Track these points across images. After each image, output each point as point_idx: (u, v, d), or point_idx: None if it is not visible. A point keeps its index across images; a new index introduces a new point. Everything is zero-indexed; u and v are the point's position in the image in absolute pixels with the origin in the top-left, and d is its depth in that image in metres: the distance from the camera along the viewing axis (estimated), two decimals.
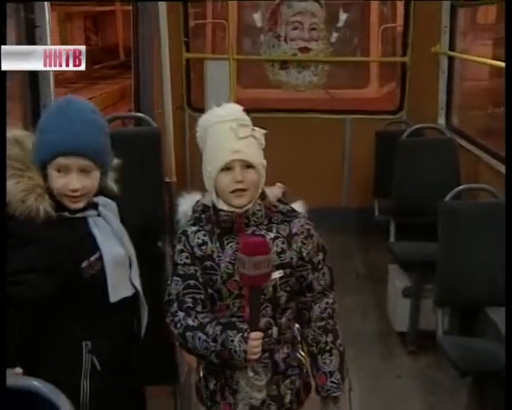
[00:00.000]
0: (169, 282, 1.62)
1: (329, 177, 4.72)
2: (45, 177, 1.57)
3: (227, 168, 1.54)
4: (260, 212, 1.58)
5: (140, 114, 3.10)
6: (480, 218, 2.56)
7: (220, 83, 4.47)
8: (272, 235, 1.60)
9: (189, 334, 1.58)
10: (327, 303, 1.65)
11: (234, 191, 1.54)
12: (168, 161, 2.75)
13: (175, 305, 1.60)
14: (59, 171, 1.54)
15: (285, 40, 4.82)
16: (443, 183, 3.13)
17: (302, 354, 1.71)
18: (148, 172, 2.65)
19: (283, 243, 1.60)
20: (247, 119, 1.58)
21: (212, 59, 4.84)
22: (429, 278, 2.95)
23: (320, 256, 1.64)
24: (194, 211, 1.63)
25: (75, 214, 1.59)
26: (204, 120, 1.60)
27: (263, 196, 1.60)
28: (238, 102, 4.52)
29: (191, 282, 1.59)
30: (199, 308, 1.60)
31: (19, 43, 2.64)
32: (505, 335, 1.52)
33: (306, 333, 1.67)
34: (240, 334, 1.54)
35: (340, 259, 4.40)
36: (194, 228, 1.61)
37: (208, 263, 1.59)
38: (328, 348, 1.64)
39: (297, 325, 1.69)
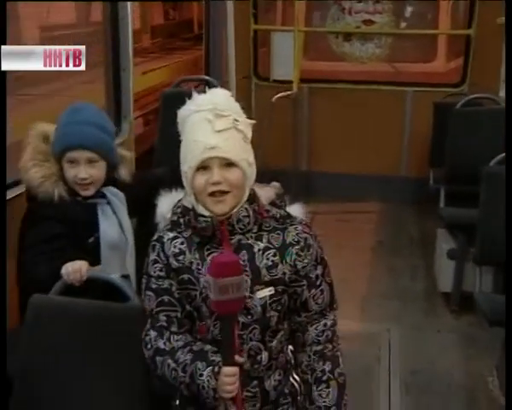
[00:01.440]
0: (142, 296, 1.43)
1: (389, 147, 4.86)
2: (62, 167, 1.87)
3: (203, 167, 1.33)
4: (247, 218, 1.37)
5: (206, 77, 3.41)
6: None
7: (286, 54, 4.71)
8: (262, 245, 1.39)
9: (158, 358, 1.39)
10: (325, 325, 1.44)
11: (212, 194, 1.34)
12: None
13: (148, 322, 1.42)
14: (70, 162, 1.85)
15: (349, 13, 4.96)
16: (494, 152, 3.23)
17: (296, 378, 1.50)
18: None
19: (275, 255, 1.39)
20: (230, 107, 1.36)
21: (279, 30, 5.05)
22: (474, 242, 3.10)
23: (318, 270, 1.42)
24: (173, 213, 1.42)
25: (87, 200, 1.89)
26: (184, 109, 1.38)
27: (252, 198, 1.39)
28: (303, 73, 4.78)
29: (165, 298, 1.39)
30: (174, 328, 1.40)
31: (105, 20, 3.02)
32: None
33: (301, 359, 1.46)
34: (210, 368, 1.33)
35: (394, 224, 4.60)
36: (170, 234, 1.40)
37: (186, 276, 1.38)
38: (324, 378, 1.42)
39: (290, 347, 1.50)
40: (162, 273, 1.39)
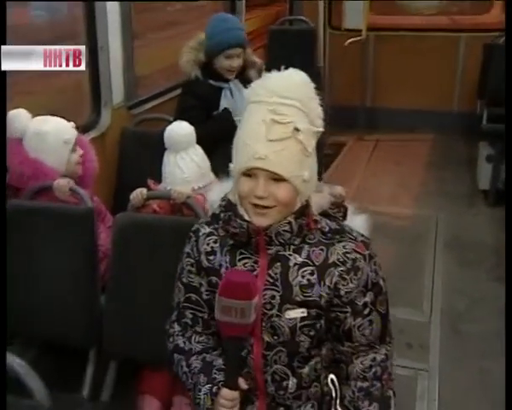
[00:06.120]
0: (175, 283, 1.36)
1: (444, 85, 5.70)
2: (210, 59, 2.62)
3: (249, 174, 1.19)
4: (288, 233, 1.22)
5: (302, 17, 4.44)
6: None
7: (356, 7, 5.59)
8: (300, 260, 1.24)
9: (176, 356, 1.34)
10: (373, 360, 1.27)
11: (254, 205, 1.20)
12: (319, 52, 4.05)
13: (174, 314, 1.37)
14: (226, 57, 2.63)
15: None
16: None
17: None
18: (306, 58, 3.97)
19: (312, 273, 1.23)
20: (301, 99, 1.17)
21: None
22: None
23: (368, 298, 1.25)
24: (219, 205, 1.30)
25: (216, 83, 2.66)
26: (251, 89, 1.24)
27: (302, 210, 1.23)
28: (369, 25, 5.66)
29: (193, 296, 1.32)
30: (198, 328, 1.33)
31: None
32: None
33: (344, 392, 1.30)
34: (208, 385, 1.25)
35: (445, 149, 5.47)
36: (207, 229, 1.30)
37: (213, 279, 1.28)
38: None
39: (332, 377, 1.32)
40: (193, 269, 1.31)
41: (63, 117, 2.17)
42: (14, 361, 1.20)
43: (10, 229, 1.80)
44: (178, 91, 3.25)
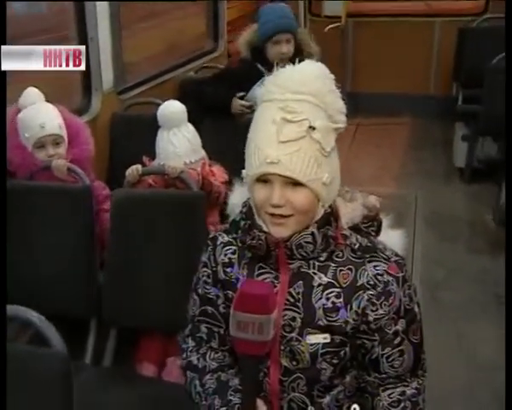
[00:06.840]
0: (190, 294, 1.28)
1: (421, 69, 5.86)
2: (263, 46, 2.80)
3: (264, 180, 1.10)
4: (311, 245, 1.12)
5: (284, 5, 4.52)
6: None
7: None
8: (325, 280, 1.14)
9: (189, 373, 1.26)
10: (402, 394, 1.17)
11: (271, 214, 1.11)
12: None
13: (189, 328, 1.29)
14: (275, 43, 2.78)
15: None
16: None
17: None
18: None
19: (338, 296, 1.14)
20: (316, 95, 1.08)
21: None
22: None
23: (399, 326, 1.15)
24: (240, 211, 1.21)
25: (262, 67, 2.79)
26: (263, 87, 1.15)
27: (328, 218, 1.14)
28: (348, 12, 5.78)
29: (209, 309, 1.24)
30: (214, 344, 1.25)
31: None
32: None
33: None
34: (224, 408, 1.17)
35: (422, 132, 5.62)
36: (225, 238, 1.22)
37: (230, 293, 1.19)
38: None
39: (355, 407, 1.21)
40: (209, 280, 1.24)
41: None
42: (30, 314, 1.22)
43: (10, 208, 1.87)
44: (165, 77, 3.40)
